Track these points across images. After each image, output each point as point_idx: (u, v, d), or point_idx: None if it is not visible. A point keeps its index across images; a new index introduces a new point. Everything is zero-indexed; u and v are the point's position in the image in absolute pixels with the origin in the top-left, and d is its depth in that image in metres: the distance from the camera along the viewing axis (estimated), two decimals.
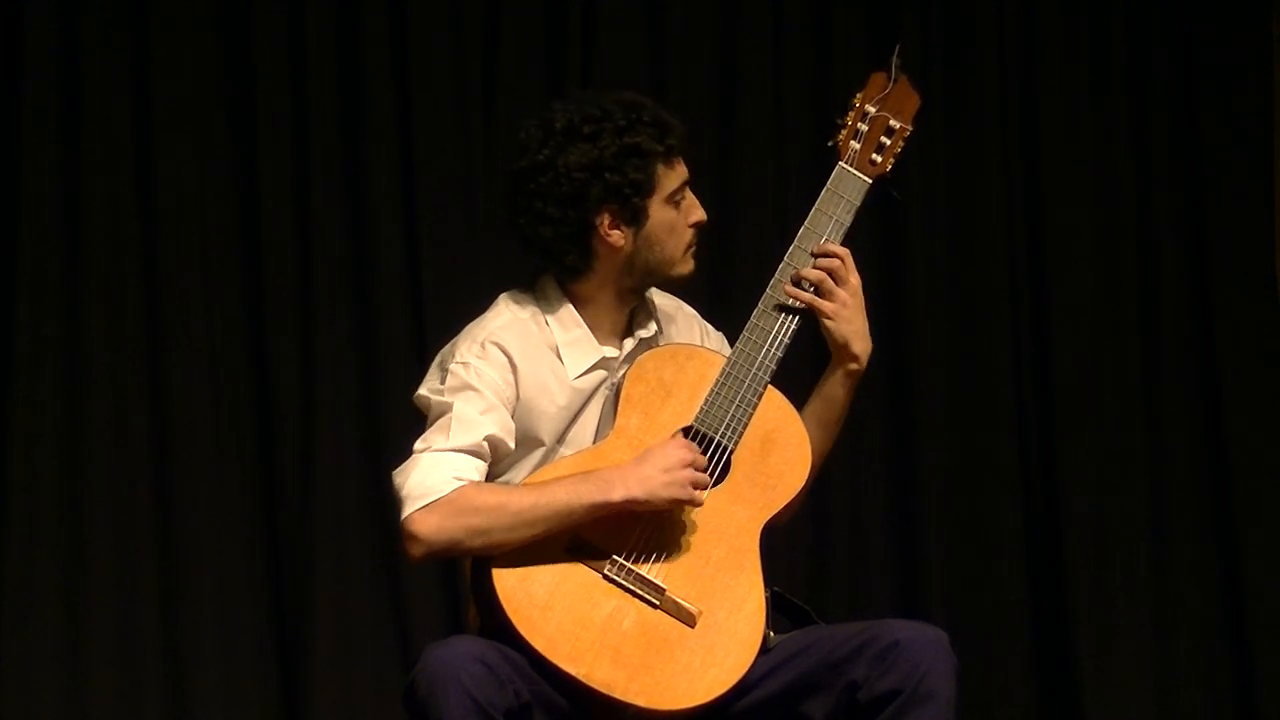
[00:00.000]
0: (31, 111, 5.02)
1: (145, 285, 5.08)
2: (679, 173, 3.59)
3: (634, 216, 3.55)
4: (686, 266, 3.61)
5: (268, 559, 5.12)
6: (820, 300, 3.54)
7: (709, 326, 3.77)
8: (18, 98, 5.02)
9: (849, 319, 3.55)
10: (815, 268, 3.54)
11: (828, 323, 3.54)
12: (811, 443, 3.57)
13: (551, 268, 3.61)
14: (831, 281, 3.54)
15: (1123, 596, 5.39)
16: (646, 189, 3.54)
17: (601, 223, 3.55)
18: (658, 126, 3.55)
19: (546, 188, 3.54)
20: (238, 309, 5.13)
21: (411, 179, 5.21)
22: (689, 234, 3.61)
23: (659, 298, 3.71)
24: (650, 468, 3.43)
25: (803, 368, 3.71)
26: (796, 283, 3.54)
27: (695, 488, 3.44)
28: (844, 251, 3.55)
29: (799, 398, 3.64)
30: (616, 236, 3.56)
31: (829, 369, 3.61)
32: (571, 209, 3.54)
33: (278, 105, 5.15)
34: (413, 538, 3.42)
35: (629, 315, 3.65)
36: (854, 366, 3.57)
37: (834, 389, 3.60)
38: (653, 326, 3.66)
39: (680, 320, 3.73)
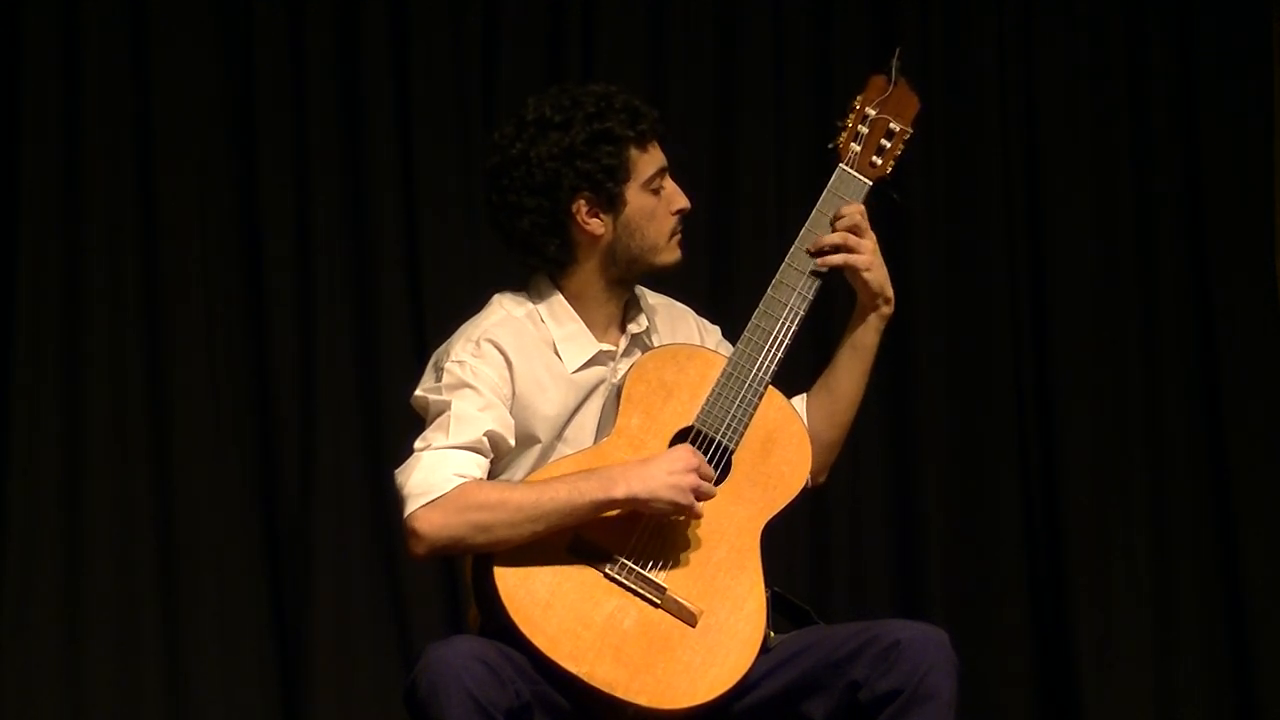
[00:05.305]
0: (32, 110, 5.02)
1: (145, 285, 5.08)
2: (654, 158, 3.59)
3: (610, 203, 3.56)
4: (672, 255, 3.62)
5: (268, 559, 5.12)
6: (852, 255, 3.57)
7: (704, 321, 3.77)
8: (18, 97, 5.02)
9: (880, 265, 3.60)
10: (834, 229, 3.58)
11: (864, 273, 3.58)
12: (851, 396, 3.66)
13: (537, 262, 3.61)
14: (855, 236, 3.58)
15: (1123, 596, 5.39)
16: (620, 174, 3.55)
17: (579, 211, 3.56)
18: (629, 112, 3.56)
19: (521, 180, 3.55)
20: (238, 309, 5.14)
21: (411, 179, 5.21)
22: (671, 221, 3.61)
23: (650, 296, 3.72)
24: (655, 468, 3.43)
25: (802, 368, 3.71)
26: (818, 251, 3.57)
27: (699, 497, 3.44)
28: (858, 208, 3.58)
29: (802, 390, 3.67)
30: (595, 225, 3.57)
31: (858, 321, 3.64)
32: (546, 198, 3.55)
33: (278, 105, 5.15)
34: (415, 535, 3.42)
35: (622, 311, 3.65)
36: (887, 310, 3.63)
37: (867, 337, 3.65)
38: (643, 321, 3.66)
39: (672, 315, 3.73)
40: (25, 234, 5.01)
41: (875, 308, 3.63)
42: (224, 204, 5.15)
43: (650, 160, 3.58)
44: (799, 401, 3.67)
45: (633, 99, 3.58)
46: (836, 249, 3.57)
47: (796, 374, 3.65)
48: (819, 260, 3.57)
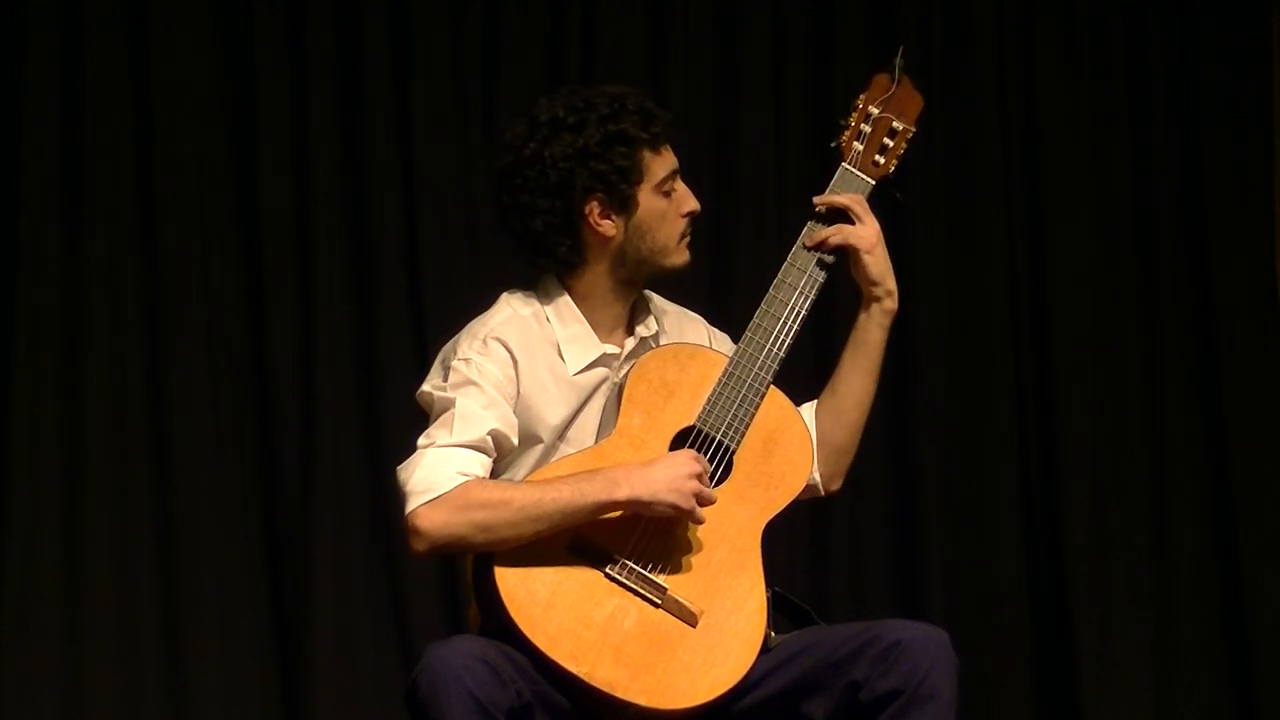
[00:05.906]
0: (32, 110, 5.02)
1: (145, 285, 5.08)
2: (667, 160, 3.59)
3: (623, 205, 3.56)
4: (681, 257, 3.62)
5: (268, 559, 5.12)
6: (853, 238, 3.56)
7: (714, 329, 3.77)
8: (19, 97, 5.02)
9: (883, 253, 3.60)
10: (833, 210, 3.59)
11: (865, 255, 3.58)
12: (857, 396, 3.64)
13: (546, 263, 3.61)
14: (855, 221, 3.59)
15: (1123, 596, 5.39)
16: (633, 176, 3.55)
17: (591, 212, 3.55)
18: (642, 114, 3.56)
19: (534, 180, 3.55)
20: (238, 309, 5.13)
21: (411, 179, 5.21)
22: (681, 223, 3.61)
23: (660, 301, 3.72)
24: (658, 471, 3.43)
25: (803, 369, 3.71)
26: (815, 245, 3.57)
27: (701, 502, 3.44)
28: (856, 198, 3.58)
29: (805, 395, 3.66)
30: (607, 226, 3.57)
31: (863, 315, 3.63)
32: (559, 199, 3.54)
33: (278, 105, 5.15)
34: (417, 533, 3.42)
35: (629, 313, 3.65)
36: (890, 304, 3.62)
37: (871, 333, 3.63)
38: (653, 324, 3.66)
39: (683, 321, 3.73)
40: (25, 233, 5.01)
41: (877, 299, 3.62)
42: (224, 204, 5.14)
43: (663, 162, 3.58)
44: (808, 410, 3.67)
45: (645, 101, 3.58)
46: (839, 229, 3.57)
47: (797, 375, 3.64)
48: (820, 233, 3.56)
